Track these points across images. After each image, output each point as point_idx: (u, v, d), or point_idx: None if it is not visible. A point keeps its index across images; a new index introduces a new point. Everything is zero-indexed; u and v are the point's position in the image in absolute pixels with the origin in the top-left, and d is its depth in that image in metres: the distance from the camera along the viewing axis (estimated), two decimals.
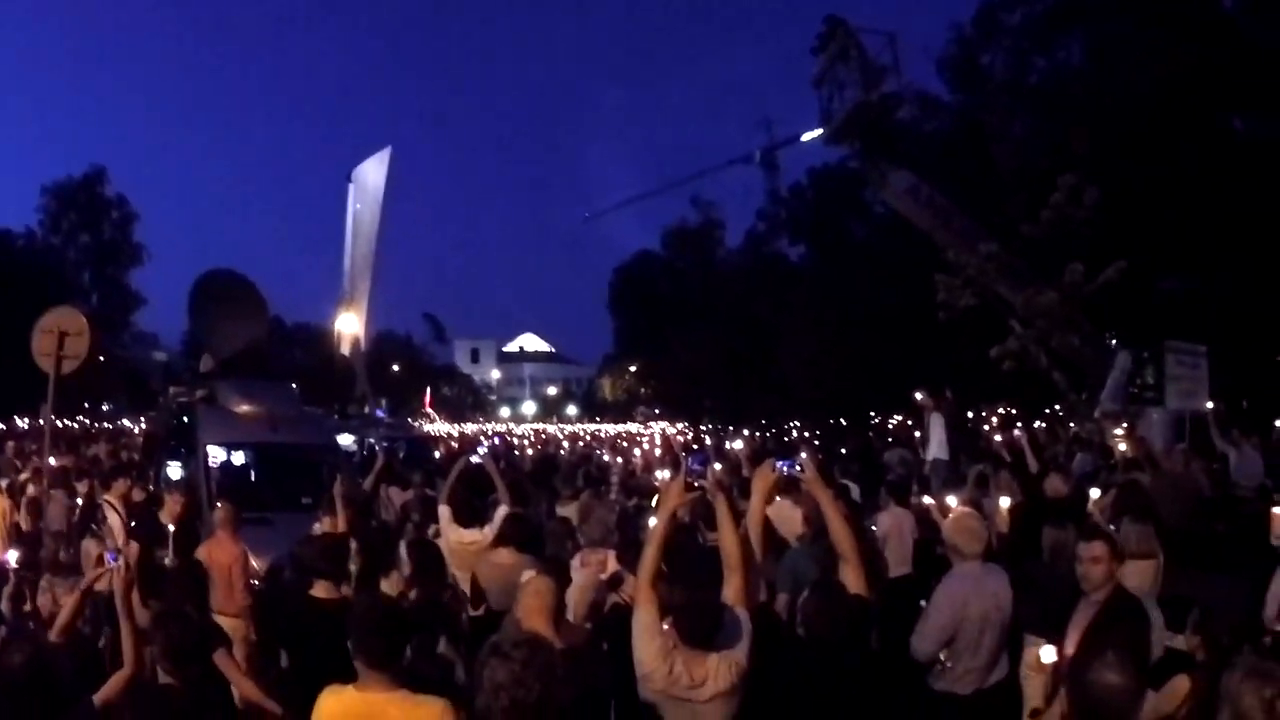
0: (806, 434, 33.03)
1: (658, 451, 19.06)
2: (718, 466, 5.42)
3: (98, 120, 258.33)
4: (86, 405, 44.10)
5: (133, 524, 8.74)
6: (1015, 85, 33.31)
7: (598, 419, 70.64)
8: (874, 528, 8.87)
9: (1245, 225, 23.56)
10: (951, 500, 8.10)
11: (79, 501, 11.52)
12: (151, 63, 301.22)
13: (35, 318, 9.20)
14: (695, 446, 25.99)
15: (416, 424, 40.18)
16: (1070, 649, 5.13)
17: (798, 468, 5.00)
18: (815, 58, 23.55)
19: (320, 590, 5.89)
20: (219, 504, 9.03)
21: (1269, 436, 16.67)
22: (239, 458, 13.06)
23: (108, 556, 5.04)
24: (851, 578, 4.80)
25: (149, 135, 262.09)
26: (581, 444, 29.64)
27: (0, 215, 56.73)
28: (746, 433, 32.71)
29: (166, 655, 4.30)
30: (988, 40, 34.51)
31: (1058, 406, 24.70)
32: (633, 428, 47.52)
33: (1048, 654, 4.96)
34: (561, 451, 24.18)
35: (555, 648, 3.45)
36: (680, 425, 46.32)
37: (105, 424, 37.63)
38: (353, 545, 7.18)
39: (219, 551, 7.89)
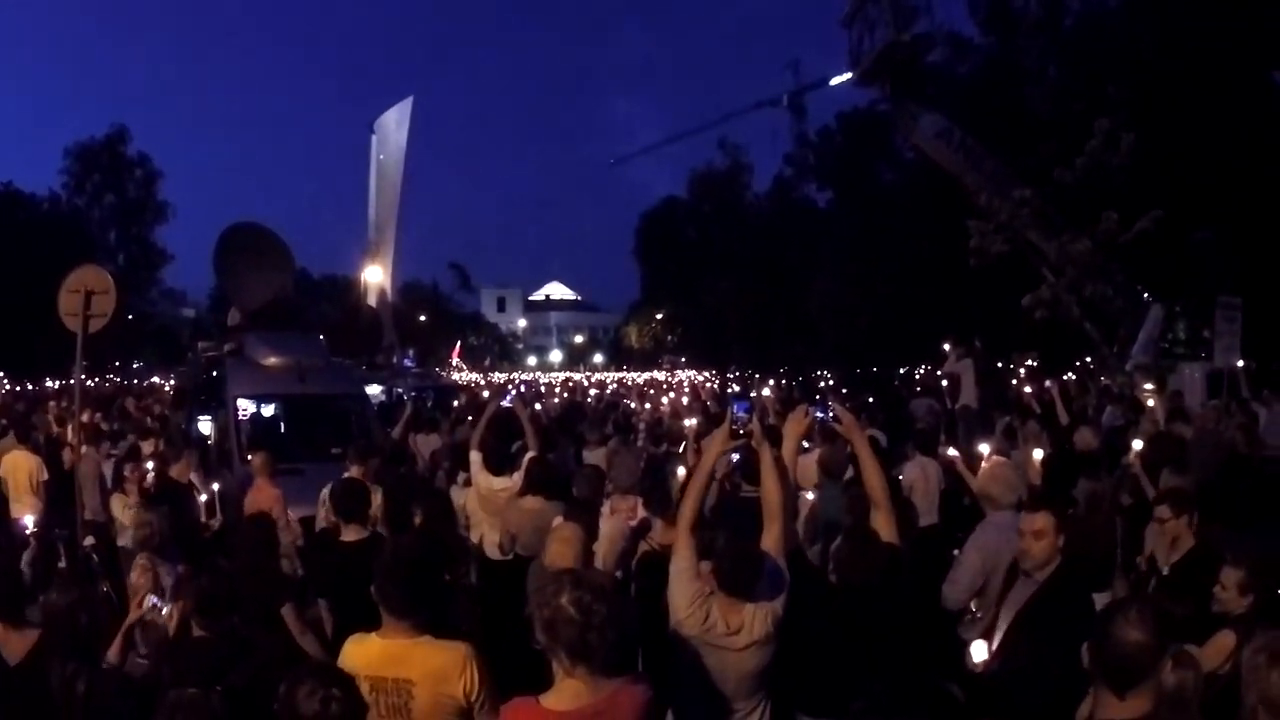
0: (833, 382, 32.91)
1: (685, 399, 19.01)
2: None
3: (118, 79, 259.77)
4: (117, 364, 44.47)
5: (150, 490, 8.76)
6: (1049, 28, 32.59)
7: (624, 367, 70.65)
8: (900, 477, 8.82)
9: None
10: (983, 449, 8.01)
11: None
12: (169, 18, 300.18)
13: (62, 281, 9.15)
14: (739, 392, 25.93)
15: (444, 373, 40.34)
16: (998, 637, 4.65)
17: (831, 414, 4.95)
18: None
19: (350, 534, 5.98)
20: (252, 453, 9.22)
21: None
22: (268, 410, 13.14)
23: (150, 600, 4.61)
24: (884, 524, 4.78)
25: (170, 92, 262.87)
26: (608, 391, 29.61)
27: (24, 179, 56.50)
28: (773, 381, 32.61)
29: (198, 608, 4.32)
30: None
31: (1088, 359, 24.40)
32: (659, 375, 47.47)
33: (979, 651, 4.50)
34: (588, 399, 24.10)
35: None
36: (707, 373, 46.25)
37: (135, 380, 38.01)
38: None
39: (260, 497, 8.24)
